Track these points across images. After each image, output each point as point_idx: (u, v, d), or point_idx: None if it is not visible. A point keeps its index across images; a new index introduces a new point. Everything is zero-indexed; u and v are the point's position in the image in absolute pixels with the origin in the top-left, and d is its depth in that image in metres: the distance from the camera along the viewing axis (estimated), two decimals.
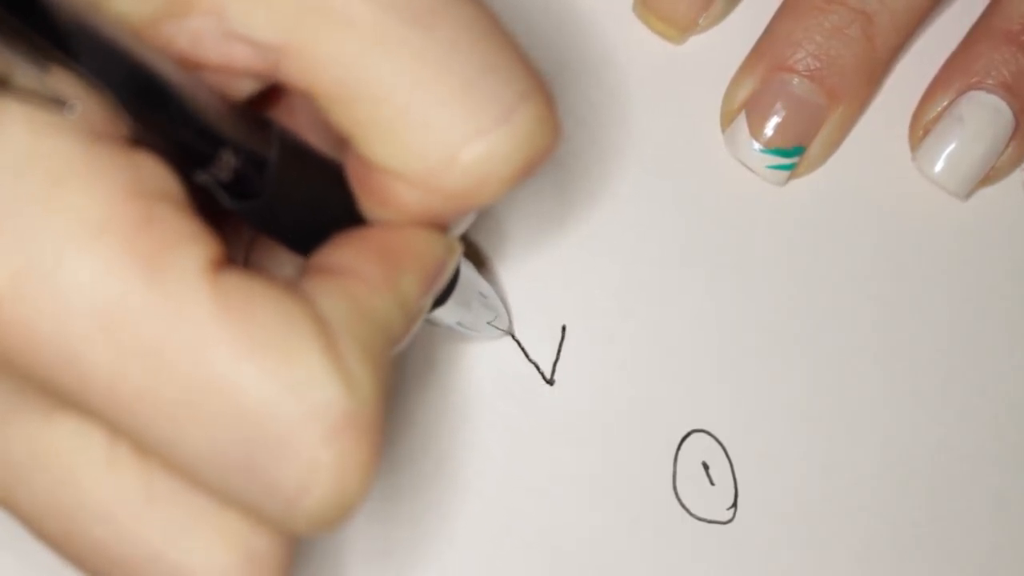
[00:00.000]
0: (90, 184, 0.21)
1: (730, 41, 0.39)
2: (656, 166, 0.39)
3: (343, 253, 0.25)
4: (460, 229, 0.29)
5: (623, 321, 0.38)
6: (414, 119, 0.23)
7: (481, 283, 0.35)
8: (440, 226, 0.26)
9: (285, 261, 0.29)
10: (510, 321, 0.37)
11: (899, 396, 0.38)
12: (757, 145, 0.38)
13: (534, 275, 0.37)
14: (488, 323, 0.35)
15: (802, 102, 0.38)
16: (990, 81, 0.38)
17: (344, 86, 0.23)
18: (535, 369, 0.37)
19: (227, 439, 0.22)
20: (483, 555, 0.36)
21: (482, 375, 0.37)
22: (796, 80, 0.37)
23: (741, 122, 0.38)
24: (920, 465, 0.38)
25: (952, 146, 0.38)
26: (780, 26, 0.38)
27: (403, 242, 0.25)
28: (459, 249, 0.28)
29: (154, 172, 0.22)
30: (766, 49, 0.38)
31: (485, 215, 0.37)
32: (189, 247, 0.22)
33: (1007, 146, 0.39)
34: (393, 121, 0.23)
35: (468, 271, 0.33)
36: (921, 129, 0.39)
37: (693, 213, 0.38)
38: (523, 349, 0.37)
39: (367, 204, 0.25)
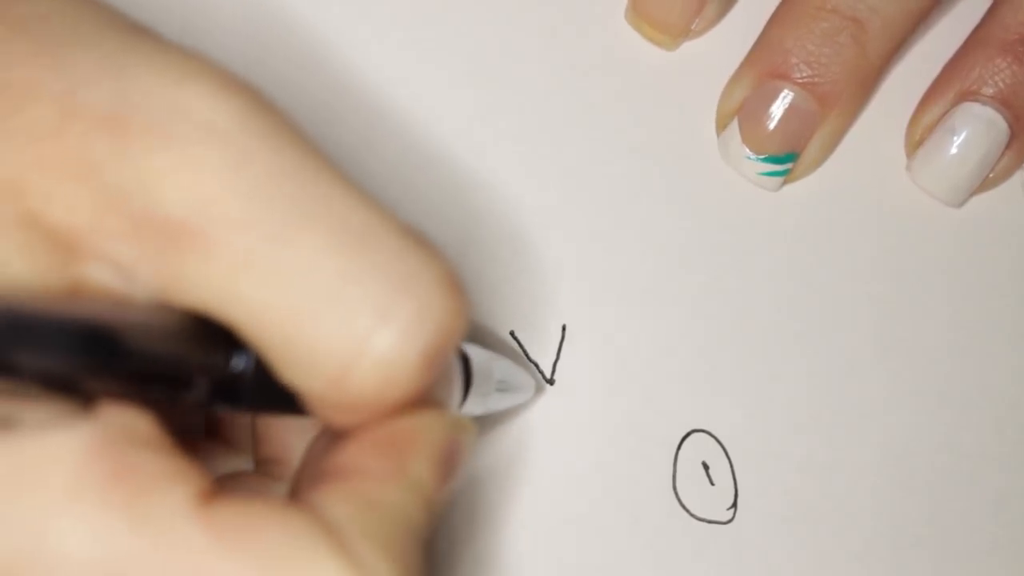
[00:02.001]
0: (48, 456, 0.21)
1: (730, 43, 0.39)
2: (657, 167, 0.39)
3: (349, 452, 0.24)
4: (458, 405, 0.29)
5: (623, 321, 0.38)
6: (297, 340, 0.23)
7: (499, 369, 0.34)
8: (429, 404, 0.25)
9: (294, 438, 0.29)
10: (545, 379, 0.37)
11: (899, 396, 0.38)
12: (749, 152, 0.38)
13: (534, 275, 0.37)
14: (513, 403, 0.35)
15: (794, 109, 0.38)
16: (985, 92, 0.38)
17: (226, 313, 0.23)
18: (535, 369, 0.37)
19: None
20: (482, 555, 0.36)
21: None
22: (788, 87, 0.38)
23: (733, 129, 0.38)
24: (920, 465, 0.38)
25: (945, 158, 0.38)
26: (772, 33, 0.38)
27: (407, 430, 0.25)
28: (470, 427, 0.27)
29: (119, 421, 0.22)
30: (758, 56, 0.38)
31: (485, 217, 0.37)
32: (171, 486, 0.22)
33: (1002, 156, 0.39)
34: (280, 343, 0.23)
35: (483, 364, 0.32)
36: (916, 137, 0.39)
37: (693, 213, 0.39)
38: (523, 349, 0.37)
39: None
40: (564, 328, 0.37)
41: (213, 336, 0.23)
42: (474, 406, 0.32)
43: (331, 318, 0.22)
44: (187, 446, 0.23)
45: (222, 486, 0.23)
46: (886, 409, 0.38)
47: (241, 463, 0.31)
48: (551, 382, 0.37)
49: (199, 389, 0.23)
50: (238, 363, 0.24)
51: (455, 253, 0.37)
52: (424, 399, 0.25)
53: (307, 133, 0.24)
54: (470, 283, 0.36)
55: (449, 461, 0.25)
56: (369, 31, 0.38)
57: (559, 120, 0.38)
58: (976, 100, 0.38)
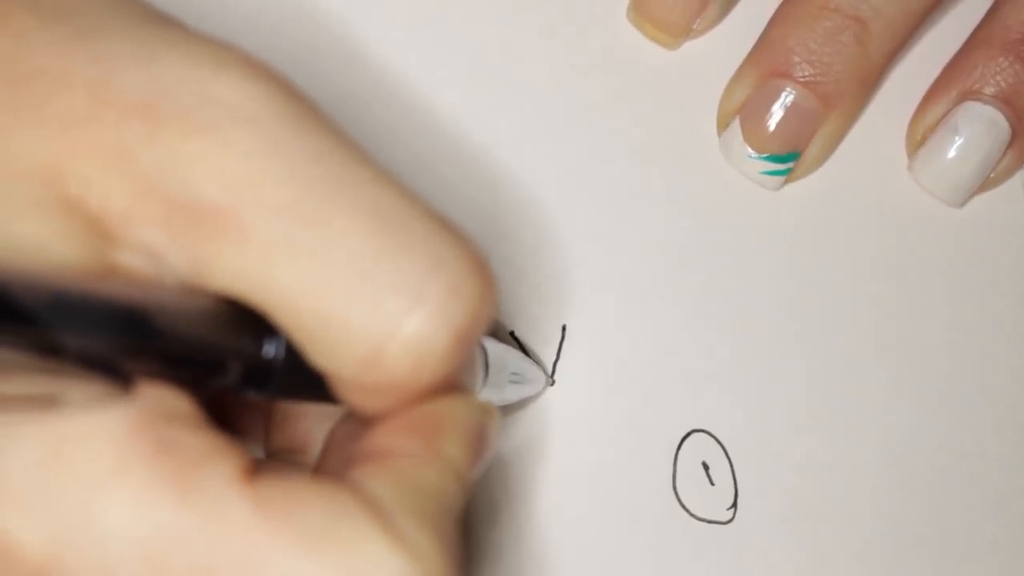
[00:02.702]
0: (92, 434, 0.21)
1: (730, 43, 0.39)
2: (656, 167, 0.39)
3: (382, 435, 0.25)
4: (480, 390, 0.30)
5: (623, 321, 0.38)
6: (329, 323, 0.23)
7: (512, 362, 0.34)
8: (455, 390, 0.26)
9: (313, 426, 0.29)
10: (548, 376, 0.37)
11: (899, 396, 0.38)
12: (751, 151, 0.38)
13: (534, 275, 0.37)
14: (524, 395, 0.36)
15: (796, 108, 0.38)
16: (987, 91, 0.38)
17: (258, 298, 0.23)
18: (544, 363, 0.37)
19: None
20: (482, 555, 0.36)
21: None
22: (790, 86, 0.38)
23: (735, 128, 0.38)
24: (920, 465, 0.38)
25: (947, 157, 0.38)
26: (774, 32, 0.38)
27: (438, 413, 0.25)
28: (495, 412, 0.27)
29: (160, 400, 0.22)
30: (760, 55, 0.38)
31: (485, 215, 0.37)
32: (214, 462, 0.22)
33: (1003, 156, 0.39)
34: (311, 327, 0.23)
35: (498, 355, 0.33)
36: (918, 136, 0.39)
37: (693, 213, 0.39)
38: (524, 349, 0.37)
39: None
40: (564, 328, 0.37)
41: (244, 321, 0.24)
42: (489, 396, 0.32)
43: (363, 300, 0.23)
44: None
45: (259, 466, 0.23)
46: (886, 409, 0.38)
47: (254, 452, 0.31)
48: (551, 382, 0.37)
49: (231, 374, 0.23)
50: (269, 349, 0.24)
51: None
52: (451, 384, 0.25)
53: (335, 120, 0.24)
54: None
55: (478, 443, 0.26)
56: (368, 31, 0.38)
57: (559, 120, 0.38)
58: (978, 99, 0.38)
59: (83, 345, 0.21)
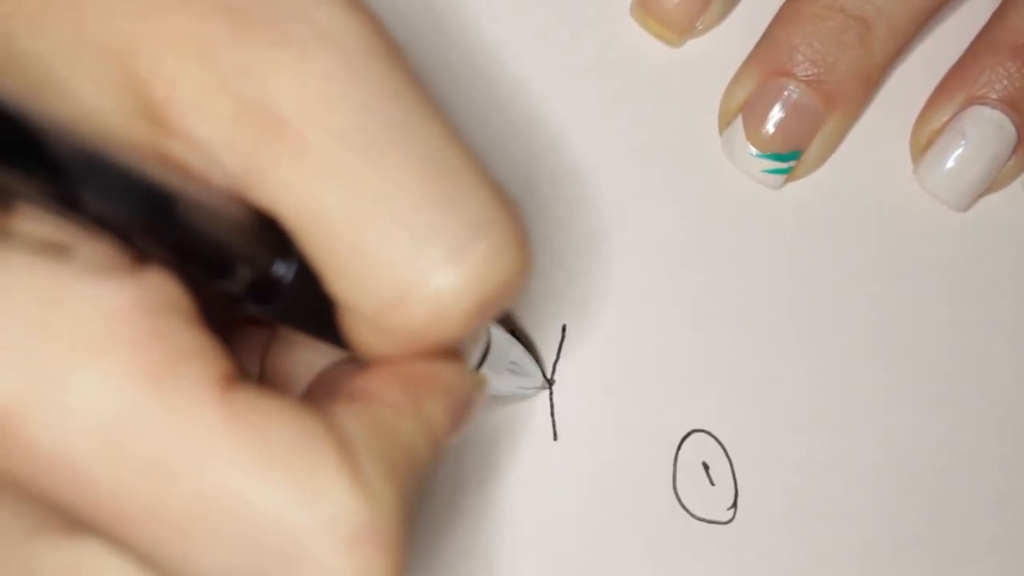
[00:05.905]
0: (88, 302, 0.21)
1: (731, 43, 0.39)
2: (657, 167, 0.39)
3: (368, 379, 0.25)
4: (477, 360, 0.29)
5: (623, 321, 0.38)
6: (363, 255, 0.23)
7: (514, 351, 0.35)
8: (453, 356, 0.26)
9: (306, 361, 0.29)
10: (545, 379, 0.37)
11: (899, 396, 0.38)
12: (753, 149, 0.38)
13: (534, 275, 0.37)
14: (518, 387, 0.36)
15: (798, 107, 0.38)
16: (993, 96, 0.38)
17: (299, 216, 0.23)
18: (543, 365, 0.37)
19: (238, 554, 0.22)
20: (483, 555, 0.36)
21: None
22: (792, 85, 0.38)
23: (737, 126, 0.38)
24: (920, 465, 0.38)
25: (953, 161, 0.38)
26: (777, 31, 0.38)
27: (429, 372, 0.25)
28: (486, 383, 0.27)
29: (161, 287, 0.22)
30: (763, 54, 0.38)
31: None
32: (197, 361, 0.22)
33: (1008, 160, 0.39)
34: (344, 256, 0.23)
35: (501, 340, 0.33)
36: (923, 140, 0.39)
37: (693, 213, 0.39)
38: (528, 345, 0.37)
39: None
40: (564, 328, 0.37)
41: (268, 237, 0.24)
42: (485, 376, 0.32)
43: (403, 239, 0.23)
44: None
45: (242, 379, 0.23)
46: (886, 409, 0.38)
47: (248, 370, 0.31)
48: (551, 382, 0.37)
49: (239, 281, 0.23)
50: (281, 268, 0.24)
51: None
52: (453, 348, 0.26)
53: (416, 68, 0.24)
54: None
55: (461, 410, 0.26)
56: None
57: (559, 120, 0.38)
58: (985, 103, 0.38)
59: (102, 210, 0.21)
